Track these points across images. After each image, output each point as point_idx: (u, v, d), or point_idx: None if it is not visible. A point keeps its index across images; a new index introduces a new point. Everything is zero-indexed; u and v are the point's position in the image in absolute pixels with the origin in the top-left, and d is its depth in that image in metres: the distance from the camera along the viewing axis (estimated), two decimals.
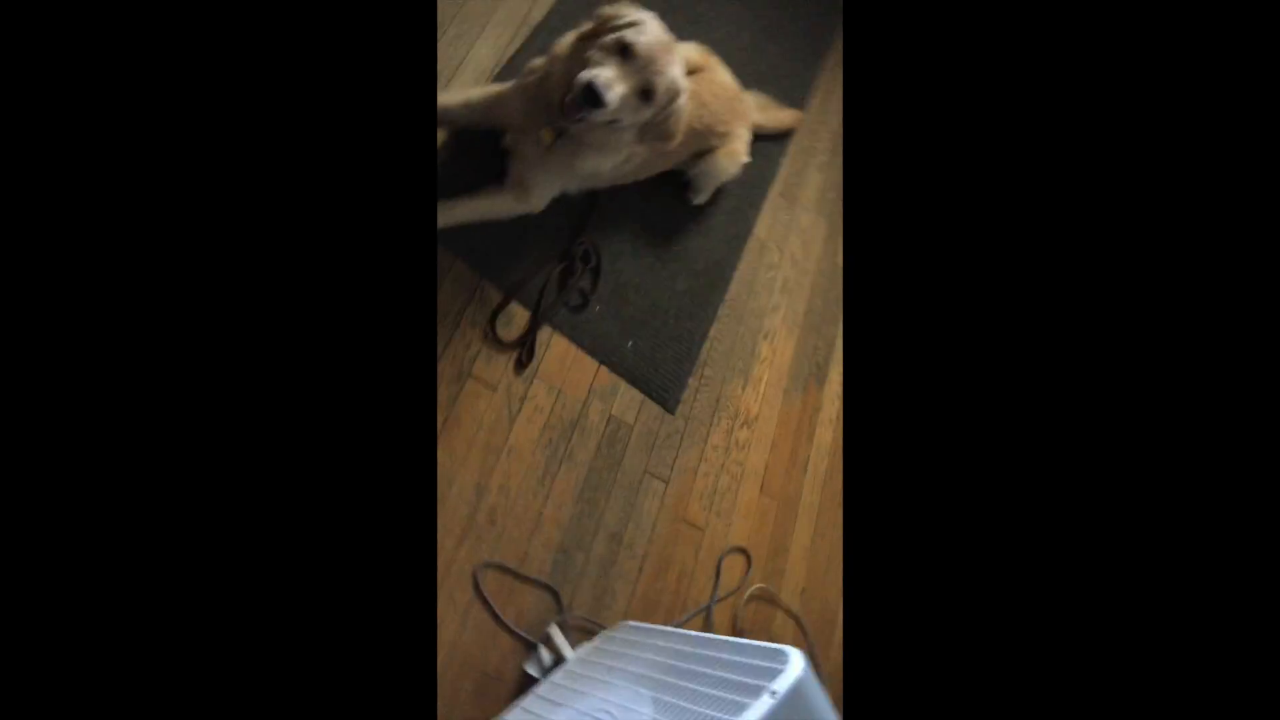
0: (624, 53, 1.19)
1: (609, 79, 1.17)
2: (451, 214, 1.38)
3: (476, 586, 1.28)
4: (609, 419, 1.53)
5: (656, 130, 1.32)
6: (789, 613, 1.66)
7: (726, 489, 1.66)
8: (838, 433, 1.93)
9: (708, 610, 1.53)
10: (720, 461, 1.67)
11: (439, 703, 1.19)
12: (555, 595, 1.35)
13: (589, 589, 1.40)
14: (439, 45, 1.52)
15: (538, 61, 1.39)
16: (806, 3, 2.33)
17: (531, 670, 1.27)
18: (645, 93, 1.22)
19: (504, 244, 1.47)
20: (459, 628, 1.25)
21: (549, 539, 1.38)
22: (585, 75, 1.16)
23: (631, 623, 1.35)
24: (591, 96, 1.16)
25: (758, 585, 1.63)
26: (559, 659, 1.29)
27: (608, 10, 1.23)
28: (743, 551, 1.64)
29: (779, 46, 2.18)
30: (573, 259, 1.54)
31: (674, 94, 1.26)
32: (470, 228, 1.42)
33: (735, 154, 1.69)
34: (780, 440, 1.80)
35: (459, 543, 1.29)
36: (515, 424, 1.40)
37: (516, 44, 1.62)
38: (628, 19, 1.21)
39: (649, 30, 1.21)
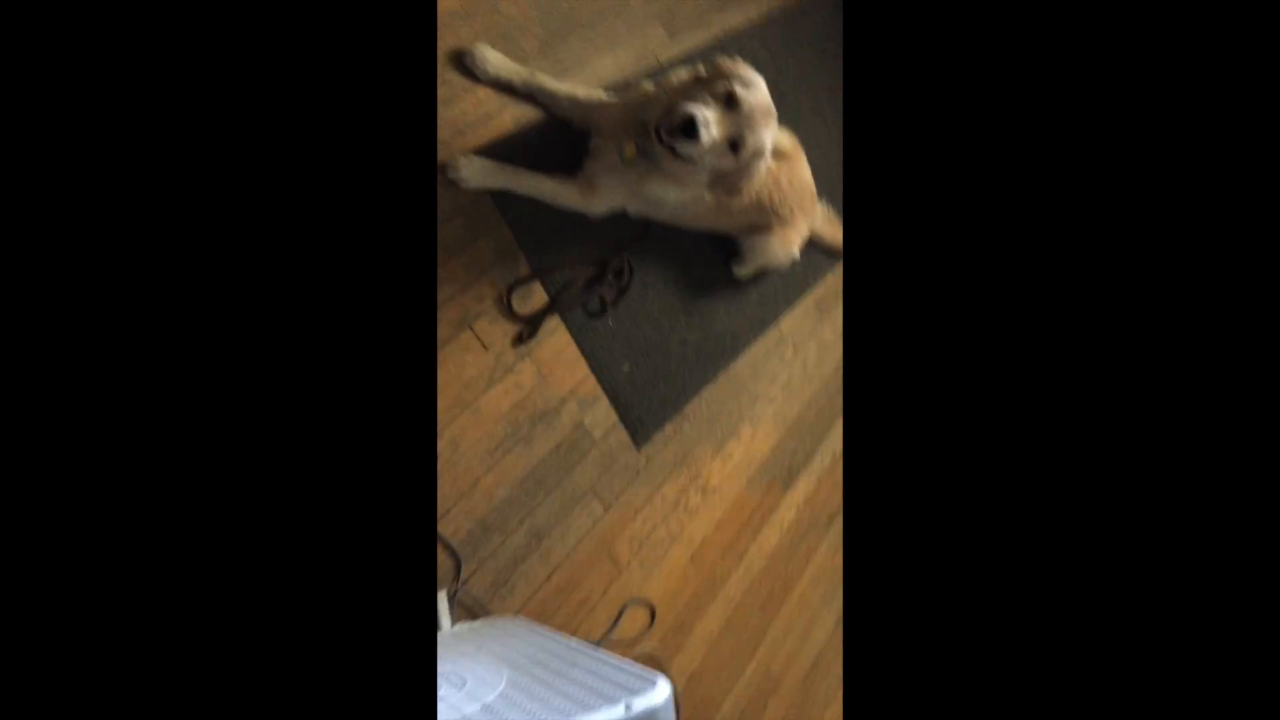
0: (729, 102, 1.28)
1: (709, 118, 1.24)
2: (517, 180, 1.44)
3: None
4: (578, 425, 1.53)
5: (729, 183, 1.39)
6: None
7: (659, 542, 1.64)
8: (784, 541, 1.92)
9: (595, 646, 1.48)
10: (664, 514, 1.66)
11: None
12: (458, 564, 1.32)
13: (491, 573, 1.38)
14: (574, 38, 1.62)
15: (648, 85, 1.49)
16: None
17: None
18: (734, 144, 1.29)
19: (552, 229, 1.53)
20: None
21: (474, 509, 1.37)
22: (690, 108, 1.24)
23: (521, 619, 1.31)
24: (689, 128, 1.23)
25: (652, 646, 1.59)
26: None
27: (726, 62, 1.32)
28: (650, 608, 1.60)
29: None
30: (606, 270, 1.58)
31: (758, 154, 1.33)
32: (528, 201, 1.48)
33: (789, 243, 1.76)
34: (727, 521, 1.79)
35: None
36: (491, 390, 1.41)
37: (637, 71, 1.73)
38: (742, 75, 1.30)
39: (758, 92, 1.29)
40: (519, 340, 1.46)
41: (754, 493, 1.86)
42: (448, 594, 1.28)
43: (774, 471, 1.91)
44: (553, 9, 1.60)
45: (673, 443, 1.69)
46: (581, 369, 1.55)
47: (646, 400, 1.65)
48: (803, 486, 1.98)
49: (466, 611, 1.33)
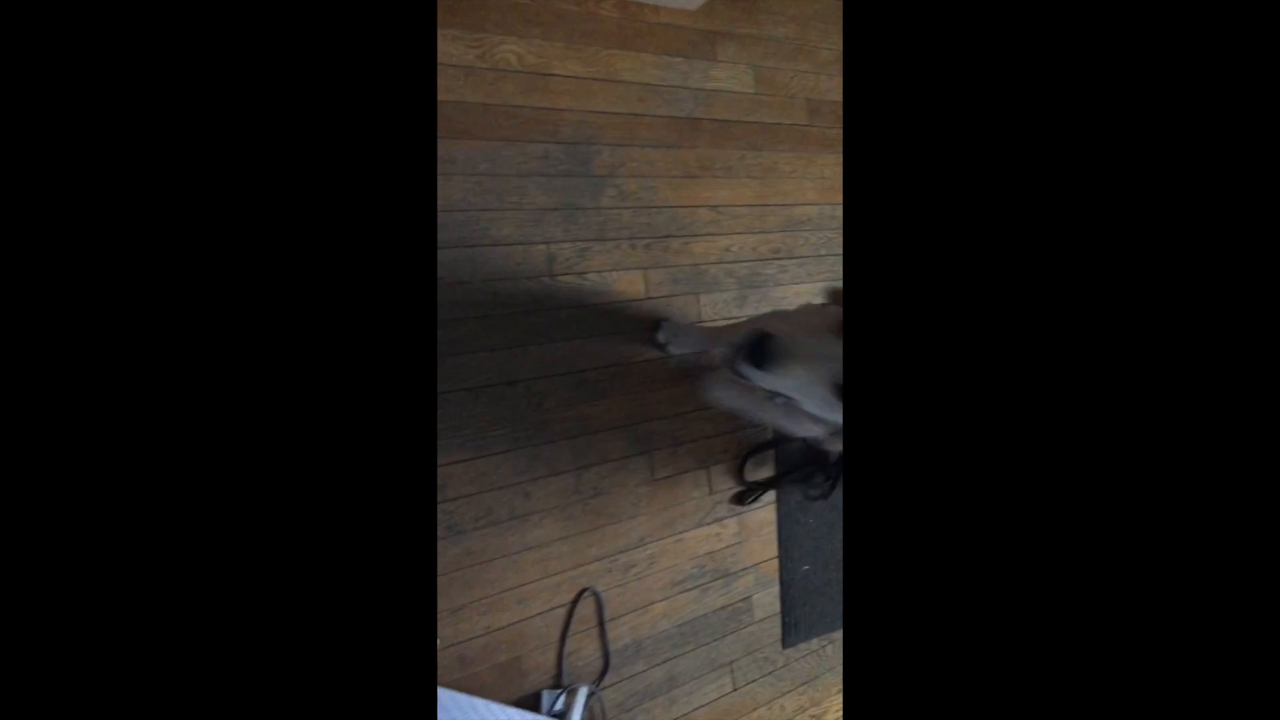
0: None
1: None
2: None
3: (576, 600, 1.34)
4: (747, 598, 1.58)
5: None
6: None
7: None
8: None
9: None
10: None
11: (472, 648, 1.24)
12: (605, 670, 1.37)
13: (623, 694, 1.41)
14: None
15: None
16: None
17: (545, 699, 1.28)
18: None
19: None
20: (538, 614, 1.31)
21: (639, 627, 1.43)
22: None
23: None
24: None
25: None
26: (563, 713, 1.29)
27: None
28: None
29: None
30: (832, 461, 1.68)
31: None
32: None
33: None
34: None
35: (595, 561, 1.38)
36: (698, 530, 1.51)
37: None
38: None
39: None
40: (738, 500, 1.56)
41: None
42: (588, 691, 1.32)
43: None
44: None
45: (812, 659, 1.69)
46: (772, 550, 1.62)
47: (808, 608, 1.67)
48: None
49: (589, 717, 1.36)
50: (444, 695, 1.15)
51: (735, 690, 1.56)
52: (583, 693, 1.32)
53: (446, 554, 1.24)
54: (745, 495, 1.57)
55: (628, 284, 1.43)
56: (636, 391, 1.44)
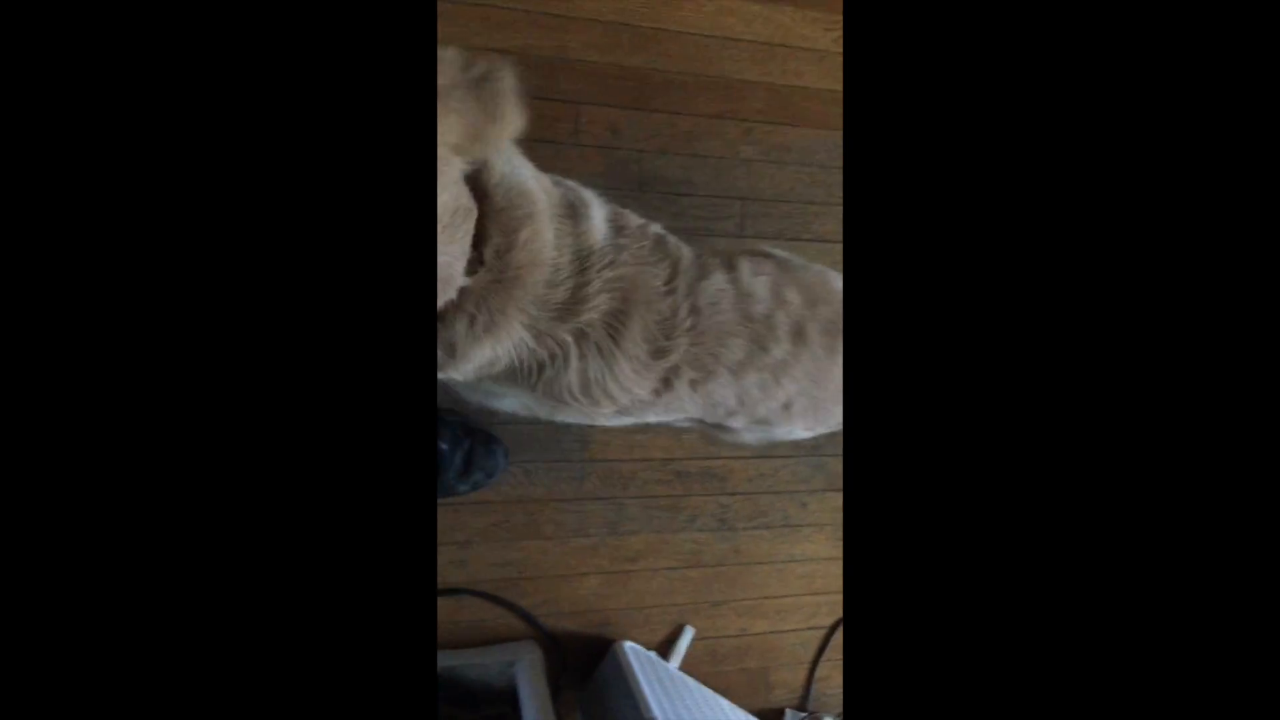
0: None
1: None
2: None
3: (835, 627, 1.28)
4: None
5: None
6: None
7: None
8: None
9: None
10: None
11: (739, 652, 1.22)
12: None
13: None
14: None
15: None
16: None
17: (788, 718, 1.24)
18: None
19: None
20: (794, 629, 1.26)
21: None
22: None
23: None
24: None
25: None
26: None
27: None
28: None
29: None
30: None
31: None
32: None
33: None
34: None
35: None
36: None
37: None
38: None
39: None
40: None
41: None
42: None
43: None
44: None
45: None
46: None
47: None
48: None
49: None
50: (693, 685, 1.14)
51: None
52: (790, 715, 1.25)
53: (715, 548, 1.23)
54: None
55: None
56: None
